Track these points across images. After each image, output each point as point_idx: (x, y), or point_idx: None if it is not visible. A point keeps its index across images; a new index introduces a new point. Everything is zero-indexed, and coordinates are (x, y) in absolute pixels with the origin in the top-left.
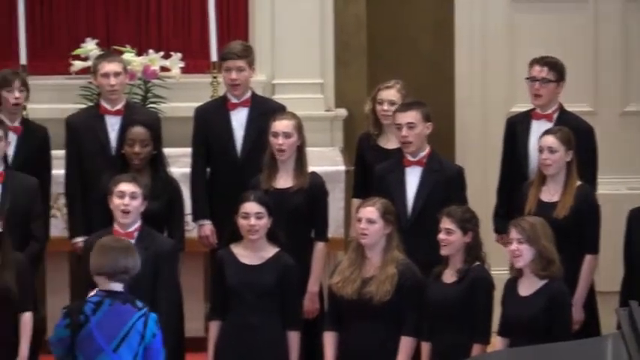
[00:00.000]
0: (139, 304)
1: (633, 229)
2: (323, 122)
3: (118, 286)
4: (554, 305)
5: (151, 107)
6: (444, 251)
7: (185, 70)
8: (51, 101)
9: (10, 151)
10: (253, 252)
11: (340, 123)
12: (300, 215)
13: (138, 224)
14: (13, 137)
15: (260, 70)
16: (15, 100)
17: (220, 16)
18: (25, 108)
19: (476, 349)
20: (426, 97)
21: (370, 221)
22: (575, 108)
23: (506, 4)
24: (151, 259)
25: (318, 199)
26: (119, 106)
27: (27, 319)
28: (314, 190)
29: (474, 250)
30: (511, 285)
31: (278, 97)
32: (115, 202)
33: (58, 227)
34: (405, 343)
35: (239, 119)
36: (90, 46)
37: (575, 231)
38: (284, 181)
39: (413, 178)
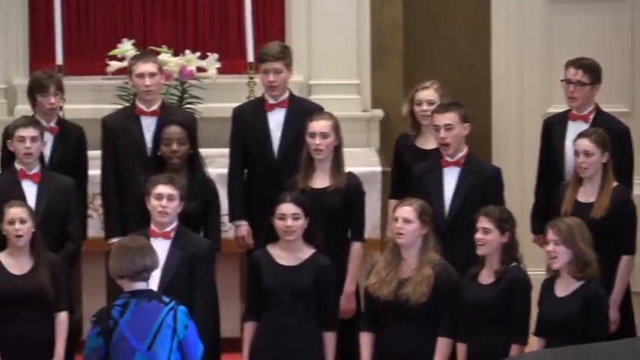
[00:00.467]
0: (165, 299)
1: None
2: (359, 123)
3: (141, 285)
4: (591, 306)
5: (187, 108)
6: (480, 251)
7: (221, 71)
8: (87, 102)
9: (47, 152)
10: (290, 253)
11: (377, 124)
12: (337, 215)
13: (174, 224)
14: (49, 137)
15: (297, 70)
16: (50, 105)
17: (257, 16)
18: (61, 108)
19: (514, 349)
20: (463, 98)
21: (407, 221)
22: (611, 109)
23: (542, 5)
24: (187, 259)
25: (355, 200)
26: (155, 107)
27: (62, 318)
28: (351, 191)
29: (510, 251)
30: (548, 285)
31: (314, 98)
32: (153, 203)
33: (94, 227)
34: (442, 344)
35: (276, 120)
36: (126, 47)
37: (612, 232)
38: (321, 181)
39: (450, 179)
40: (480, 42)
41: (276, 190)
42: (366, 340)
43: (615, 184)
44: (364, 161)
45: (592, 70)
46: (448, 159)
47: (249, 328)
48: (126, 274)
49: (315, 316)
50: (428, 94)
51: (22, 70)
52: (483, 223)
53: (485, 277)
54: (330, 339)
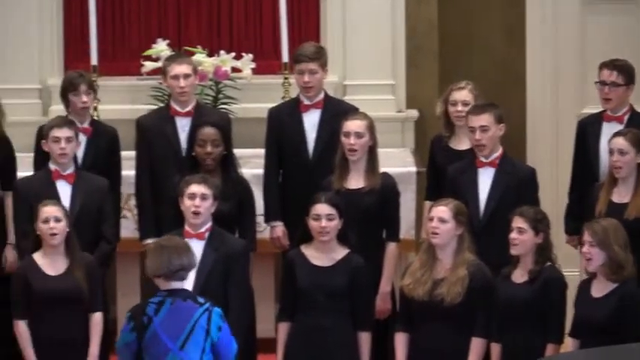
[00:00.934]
0: (201, 299)
1: None
2: (394, 123)
3: (177, 284)
4: (626, 307)
5: (222, 108)
6: (514, 251)
7: (256, 71)
8: (122, 102)
9: (79, 153)
10: (324, 253)
11: (411, 124)
12: (372, 216)
13: (209, 225)
14: (82, 138)
15: (332, 71)
16: (82, 105)
17: (291, 16)
18: (95, 109)
19: (549, 349)
20: (497, 98)
21: (442, 220)
22: None
23: (577, 5)
24: (222, 259)
25: (390, 200)
26: (189, 108)
27: (97, 319)
28: (386, 191)
29: (545, 251)
30: (585, 286)
31: (349, 98)
32: (186, 203)
33: (128, 228)
34: (476, 344)
35: (311, 121)
36: (161, 47)
37: None
38: (355, 181)
39: (485, 180)
40: (515, 42)
41: (311, 190)
42: (401, 340)
43: None
44: (399, 162)
45: (626, 71)
46: (483, 159)
47: (284, 328)
48: (162, 273)
49: (350, 316)
50: (463, 94)
51: (57, 71)
52: (518, 223)
53: (519, 277)
54: (364, 339)
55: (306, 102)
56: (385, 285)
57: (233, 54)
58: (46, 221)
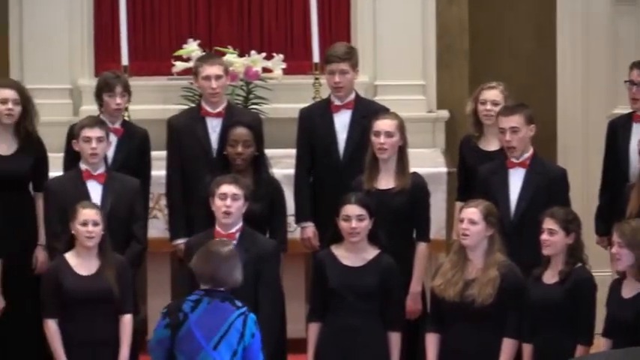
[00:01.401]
0: (238, 303)
1: None
2: (425, 124)
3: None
4: None
5: (252, 108)
6: (545, 251)
7: (287, 72)
8: (152, 102)
9: (110, 153)
10: (354, 254)
11: (442, 124)
12: (402, 216)
13: (239, 225)
14: (113, 139)
15: (362, 71)
16: (117, 106)
17: (322, 17)
18: (126, 109)
19: (579, 350)
20: (528, 98)
21: (472, 222)
22: None
23: (608, 5)
24: (253, 260)
25: (420, 200)
26: (220, 108)
27: (127, 320)
28: (416, 191)
29: (575, 252)
30: (615, 286)
31: (380, 99)
32: (217, 203)
33: (159, 228)
34: (507, 345)
35: (342, 121)
36: (192, 47)
37: None
38: (386, 182)
39: (516, 180)
40: (546, 42)
41: (341, 191)
42: (431, 340)
43: None
44: (430, 162)
45: None
46: (514, 160)
47: (314, 329)
48: (207, 279)
49: (380, 316)
50: (493, 94)
51: (88, 71)
52: (549, 224)
53: (550, 277)
54: (395, 339)
55: (337, 102)
56: (416, 285)
57: (264, 54)
58: (85, 224)
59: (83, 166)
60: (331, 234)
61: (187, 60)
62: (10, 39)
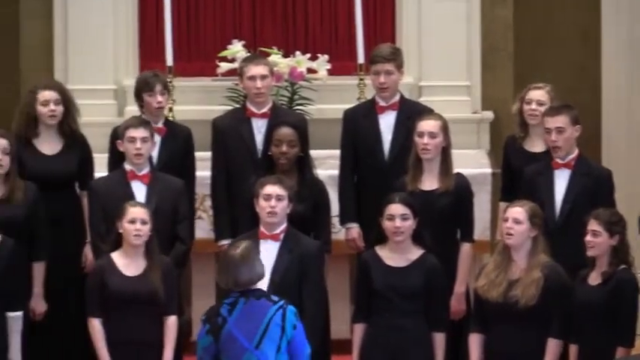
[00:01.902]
0: (275, 297)
1: None
2: (469, 125)
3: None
4: None
5: (297, 109)
6: (590, 252)
7: (332, 72)
8: (197, 103)
9: (154, 153)
10: (399, 254)
11: (487, 125)
12: (446, 217)
13: (284, 226)
14: (157, 138)
15: (407, 72)
16: (158, 104)
17: (367, 17)
18: (171, 110)
19: (619, 351)
20: (573, 99)
21: (517, 222)
22: None
23: None
24: (297, 261)
25: (464, 200)
26: (265, 109)
27: (171, 322)
28: (460, 191)
29: (620, 253)
30: None
31: (424, 100)
32: (261, 204)
33: (204, 229)
34: (552, 346)
35: (387, 122)
36: (236, 48)
37: None
38: (429, 182)
39: (561, 181)
40: (590, 43)
41: (386, 192)
42: (475, 341)
43: None
44: (474, 163)
45: None
46: (559, 161)
47: (359, 329)
48: (231, 288)
49: (425, 316)
50: (539, 94)
51: (132, 72)
52: (593, 225)
53: (594, 279)
54: (439, 340)
55: (382, 103)
56: (459, 286)
57: (308, 55)
58: (133, 222)
59: (128, 167)
60: (375, 235)
61: (232, 61)
62: (55, 40)
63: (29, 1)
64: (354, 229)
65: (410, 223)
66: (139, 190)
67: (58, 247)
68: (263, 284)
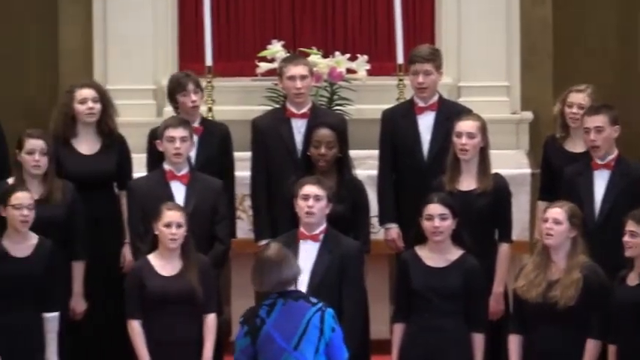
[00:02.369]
0: (313, 299)
1: None
2: (509, 125)
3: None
4: None
5: (336, 109)
6: (628, 253)
7: (371, 73)
8: (236, 103)
9: (192, 152)
10: (438, 254)
11: (526, 126)
12: (485, 217)
13: (323, 227)
14: (195, 138)
15: (446, 72)
16: (192, 104)
17: (406, 18)
18: (210, 109)
19: None
20: (613, 99)
21: (556, 222)
22: None
23: None
24: (336, 261)
25: (503, 201)
26: (305, 109)
27: (211, 320)
28: (498, 192)
29: None
30: None
31: (463, 100)
32: (300, 204)
33: (243, 229)
34: (591, 346)
35: (426, 123)
36: (276, 48)
37: None
38: (468, 183)
39: (601, 182)
40: (630, 42)
41: (425, 192)
42: (514, 342)
43: None
44: (513, 163)
45: None
46: (599, 161)
47: (398, 329)
48: (266, 290)
49: (464, 317)
50: (580, 97)
51: (172, 72)
52: (631, 226)
53: (633, 279)
54: (478, 340)
55: (421, 104)
56: (498, 286)
57: (348, 55)
58: (169, 225)
59: (167, 167)
60: (414, 235)
61: (271, 61)
62: (94, 40)
63: (68, 6)
64: (394, 230)
65: (449, 223)
66: (178, 191)
67: (96, 248)
68: (303, 284)
